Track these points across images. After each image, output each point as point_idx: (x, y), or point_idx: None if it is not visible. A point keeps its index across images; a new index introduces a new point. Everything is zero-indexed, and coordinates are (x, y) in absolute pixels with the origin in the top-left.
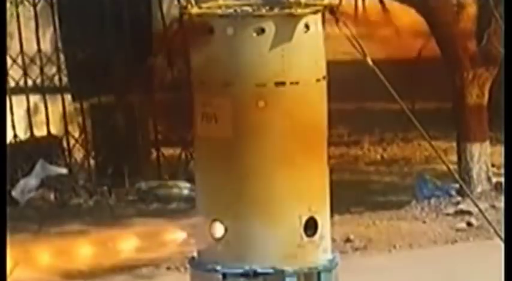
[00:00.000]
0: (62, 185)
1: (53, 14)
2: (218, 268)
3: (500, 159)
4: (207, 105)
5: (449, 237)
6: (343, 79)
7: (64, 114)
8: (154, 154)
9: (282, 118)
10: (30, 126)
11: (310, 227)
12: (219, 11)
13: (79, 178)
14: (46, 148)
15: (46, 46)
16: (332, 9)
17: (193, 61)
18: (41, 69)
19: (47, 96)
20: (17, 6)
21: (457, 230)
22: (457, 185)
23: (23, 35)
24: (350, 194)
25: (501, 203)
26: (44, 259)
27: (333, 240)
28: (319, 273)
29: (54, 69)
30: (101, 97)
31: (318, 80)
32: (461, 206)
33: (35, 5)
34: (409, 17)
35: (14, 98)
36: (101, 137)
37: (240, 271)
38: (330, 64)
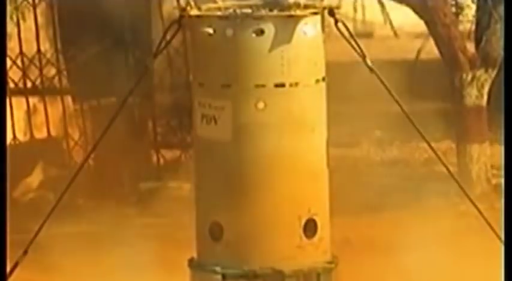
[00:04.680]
0: (62, 186)
1: (52, 15)
2: (217, 269)
3: (500, 160)
4: (206, 107)
5: (449, 238)
6: (342, 80)
7: (64, 116)
8: (154, 156)
9: (281, 119)
10: (30, 128)
11: (310, 228)
12: (218, 13)
13: (78, 179)
14: (46, 149)
15: (46, 47)
16: (331, 11)
17: (193, 62)
18: (41, 71)
19: (47, 98)
20: (16, 8)
21: (457, 231)
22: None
23: (22, 36)
24: (349, 195)
25: (501, 205)
26: None
27: (333, 241)
28: (318, 274)
29: (53, 71)
30: (101, 99)
31: (317, 81)
32: (461, 208)
33: (34, 6)
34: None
35: (14, 100)
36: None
37: (240, 272)
38: (330, 65)
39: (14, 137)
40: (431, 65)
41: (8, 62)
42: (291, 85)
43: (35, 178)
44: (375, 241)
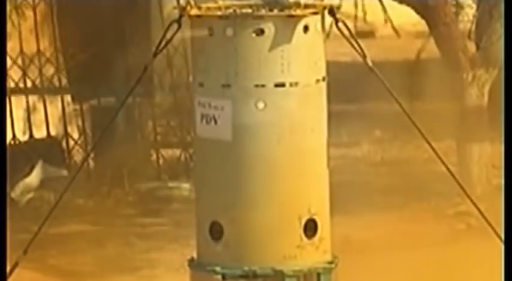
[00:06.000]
0: (62, 186)
1: (52, 15)
2: (217, 269)
3: (500, 160)
4: (206, 107)
5: (449, 238)
6: (343, 80)
7: (64, 116)
8: (153, 155)
9: (281, 119)
10: (29, 127)
11: (310, 228)
12: (218, 12)
13: (78, 179)
14: (45, 149)
15: (45, 47)
16: (332, 10)
17: (193, 62)
18: (40, 70)
19: (46, 97)
20: (16, 7)
21: (457, 231)
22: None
23: (22, 35)
24: (350, 195)
25: (501, 204)
26: None
27: (333, 241)
28: (318, 274)
29: (53, 70)
30: (101, 98)
31: (317, 81)
32: (461, 208)
33: (34, 6)
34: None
35: (13, 99)
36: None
37: (240, 272)
38: (330, 65)
39: (14, 136)
40: (432, 64)
41: (8, 62)
42: (291, 85)
43: (35, 178)
44: (375, 241)
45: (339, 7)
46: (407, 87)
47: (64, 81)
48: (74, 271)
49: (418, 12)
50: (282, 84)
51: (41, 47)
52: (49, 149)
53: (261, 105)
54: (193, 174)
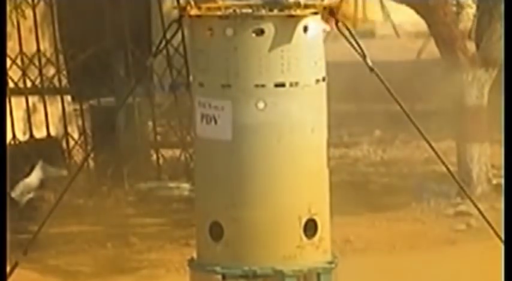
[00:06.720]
0: (62, 186)
1: (52, 15)
2: (218, 269)
3: (500, 160)
4: (206, 107)
5: (449, 238)
6: (342, 80)
7: (64, 116)
8: (153, 155)
9: (281, 119)
10: (29, 127)
11: (310, 228)
12: (218, 12)
13: (78, 179)
14: (45, 149)
15: (45, 47)
16: (331, 10)
17: (193, 62)
18: (40, 70)
19: (46, 98)
20: (15, 7)
21: (457, 231)
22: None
23: (22, 35)
24: (350, 195)
25: (501, 205)
26: None
27: (333, 241)
28: (318, 274)
29: (53, 70)
30: (101, 98)
31: (317, 81)
32: (461, 208)
33: (34, 6)
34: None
35: (13, 99)
36: (100, 138)
37: (240, 272)
38: (330, 65)
39: (14, 136)
40: (432, 64)
41: (8, 62)
42: (291, 85)
43: (35, 178)
44: (375, 240)
45: (338, 7)
46: (407, 87)
47: (64, 81)
48: (74, 271)
49: (418, 12)
50: (282, 84)
51: (41, 47)
52: (49, 149)
53: (261, 105)
54: (193, 174)
